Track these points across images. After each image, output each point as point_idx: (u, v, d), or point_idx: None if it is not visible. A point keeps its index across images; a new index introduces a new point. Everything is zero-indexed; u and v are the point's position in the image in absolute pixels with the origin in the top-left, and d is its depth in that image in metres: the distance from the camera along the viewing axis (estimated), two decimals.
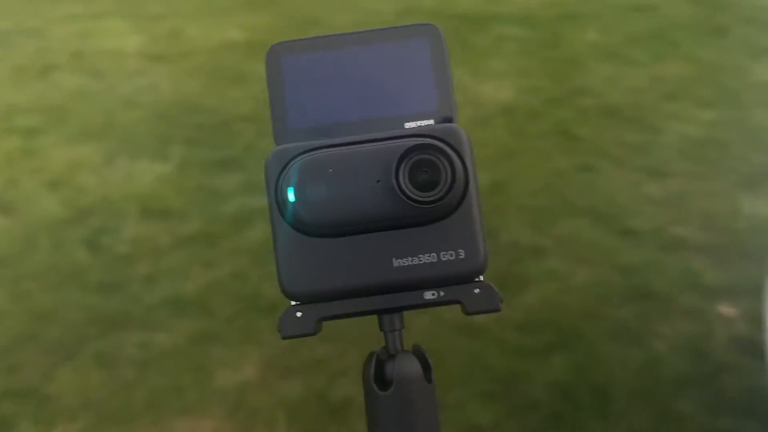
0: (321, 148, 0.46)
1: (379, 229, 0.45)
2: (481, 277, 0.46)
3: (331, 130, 0.48)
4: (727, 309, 1.88)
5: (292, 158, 0.46)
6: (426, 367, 0.47)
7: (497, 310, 0.45)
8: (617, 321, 1.87)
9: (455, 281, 0.45)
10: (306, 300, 0.46)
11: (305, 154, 0.46)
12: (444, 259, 0.45)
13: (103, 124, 2.87)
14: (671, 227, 2.23)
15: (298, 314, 0.46)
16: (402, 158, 0.44)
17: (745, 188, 2.36)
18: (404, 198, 0.43)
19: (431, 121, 0.48)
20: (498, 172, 2.59)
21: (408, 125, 0.48)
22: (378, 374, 0.46)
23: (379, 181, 0.44)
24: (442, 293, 0.45)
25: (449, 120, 0.48)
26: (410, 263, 0.45)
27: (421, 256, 0.45)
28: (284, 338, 0.46)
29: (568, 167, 2.64)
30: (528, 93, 3.24)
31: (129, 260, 2.12)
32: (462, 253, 0.45)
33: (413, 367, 0.46)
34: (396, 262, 0.45)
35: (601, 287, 1.99)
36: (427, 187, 0.43)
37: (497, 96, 3.19)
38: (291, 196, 0.45)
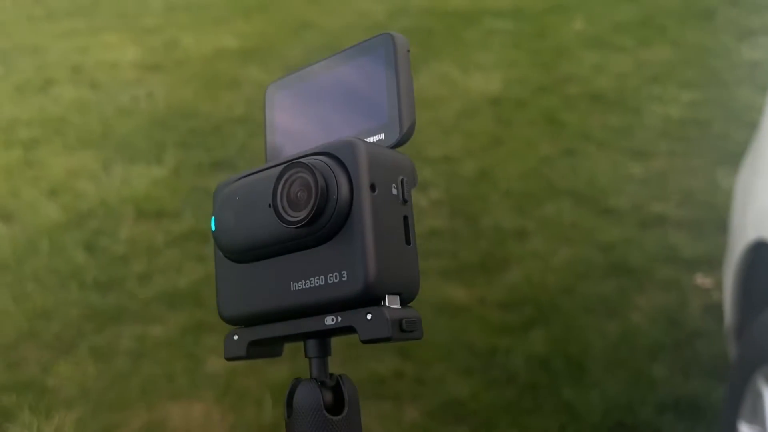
0: (243, 177, 0.46)
1: (279, 253, 0.44)
2: (386, 302, 0.42)
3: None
4: (702, 279, 1.92)
5: (225, 188, 0.47)
6: (337, 399, 0.45)
7: (387, 338, 0.41)
8: (595, 295, 1.92)
9: (344, 305, 0.42)
10: (233, 323, 0.47)
11: (231, 185, 0.47)
12: (330, 281, 0.42)
13: (100, 132, 2.96)
14: (651, 205, 2.27)
15: (235, 337, 0.46)
16: (278, 180, 0.43)
17: (725, 164, 2.40)
18: (278, 219, 0.42)
19: (381, 136, 0.46)
20: (484, 161, 2.65)
21: None
22: (290, 399, 0.45)
23: (270, 205, 0.43)
24: (339, 318, 0.42)
25: (398, 133, 0.45)
26: (304, 287, 0.43)
27: (312, 278, 0.43)
28: (226, 359, 0.46)
29: (553, 152, 2.69)
30: (516, 83, 3.29)
31: (125, 259, 2.20)
32: (345, 275, 0.42)
33: (308, 397, 0.44)
34: (293, 286, 0.44)
35: (581, 264, 2.04)
36: (300, 207, 0.42)
37: (485, 88, 3.25)
38: (213, 225, 0.46)
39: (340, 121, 0.49)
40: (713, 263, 1.96)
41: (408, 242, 0.44)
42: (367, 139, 0.45)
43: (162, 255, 2.21)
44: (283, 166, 0.43)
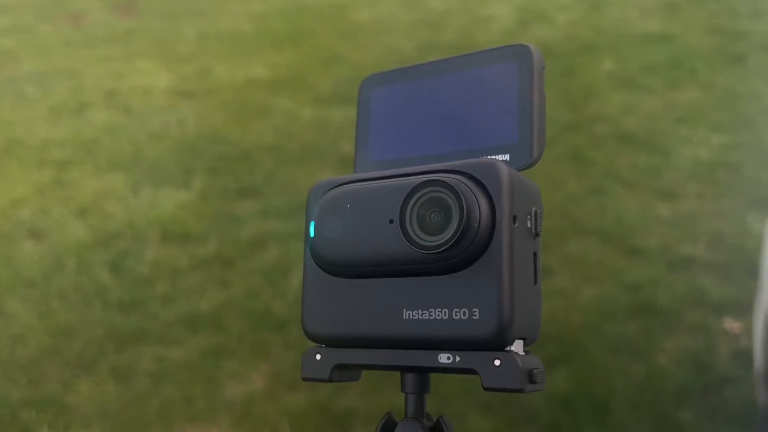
0: (350, 182, 0.42)
1: (393, 275, 0.40)
2: (512, 347, 0.38)
3: (409, 163, 0.43)
4: (731, 324, 1.88)
5: (326, 192, 0.42)
6: None
7: (519, 390, 0.37)
8: (621, 336, 1.89)
9: (468, 346, 0.38)
10: (321, 342, 0.42)
11: (336, 189, 0.42)
12: (456, 317, 0.38)
13: (130, 155, 3.01)
14: (679, 246, 2.24)
15: (317, 356, 0.42)
16: (409, 196, 0.38)
17: (756, 208, 2.36)
18: (405, 241, 0.38)
19: (506, 157, 0.41)
20: None
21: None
22: None
23: (392, 221, 0.39)
24: (458, 358, 0.39)
25: (529, 156, 0.41)
26: (420, 317, 0.39)
27: (432, 310, 0.38)
28: (304, 379, 0.42)
29: (580, 190, 2.68)
30: None
31: (149, 281, 2.21)
32: (476, 313, 0.37)
33: None
34: (406, 314, 0.39)
35: (606, 304, 2.01)
36: (435, 229, 0.38)
37: None
38: (311, 231, 0.42)
39: (457, 132, 0.43)
40: (742, 308, 1.93)
41: (535, 281, 0.41)
42: (496, 158, 0.41)
43: (185, 278, 2.22)
44: (419, 181, 0.38)
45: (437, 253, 0.37)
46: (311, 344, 0.43)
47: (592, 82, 3.68)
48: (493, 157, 0.41)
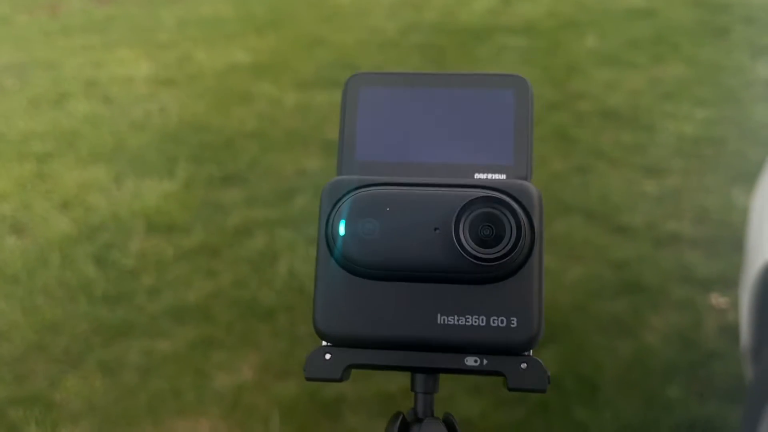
0: (382, 184, 0.44)
1: (429, 280, 0.42)
2: (531, 352, 0.43)
3: (397, 169, 0.46)
4: (717, 299, 1.89)
5: (350, 191, 0.43)
6: None
7: (542, 390, 0.42)
8: (608, 314, 1.89)
9: (501, 351, 0.42)
10: (338, 342, 0.43)
11: (364, 188, 0.43)
12: (493, 324, 0.41)
13: (113, 146, 2.97)
14: (665, 223, 2.24)
15: (327, 356, 0.43)
16: (464, 209, 0.41)
17: (740, 183, 2.37)
18: (461, 252, 0.40)
19: (503, 176, 0.45)
20: None
21: (478, 176, 0.45)
22: None
23: (437, 229, 0.41)
24: (485, 361, 0.42)
25: (523, 178, 0.45)
26: (455, 323, 0.42)
27: (468, 317, 0.41)
28: (308, 379, 0.43)
29: (565, 169, 2.67)
30: None
31: (134, 273, 2.19)
32: (514, 322, 0.41)
33: None
34: (440, 319, 0.42)
35: (593, 282, 2.02)
36: (489, 243, 0.41)
37: None
38: (342, 230, 0.42)
39: (450, 145, 0.46)
40: (729, 283, 1.94)
41: None
42: (490, 176, 0.45)
43: (171, 269, 2.21)
44: (476, 195, 0.41)
45: (491, 265, 0.40)
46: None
47: (576, 58, 3.66)
48: (490, 175, 0.45)
